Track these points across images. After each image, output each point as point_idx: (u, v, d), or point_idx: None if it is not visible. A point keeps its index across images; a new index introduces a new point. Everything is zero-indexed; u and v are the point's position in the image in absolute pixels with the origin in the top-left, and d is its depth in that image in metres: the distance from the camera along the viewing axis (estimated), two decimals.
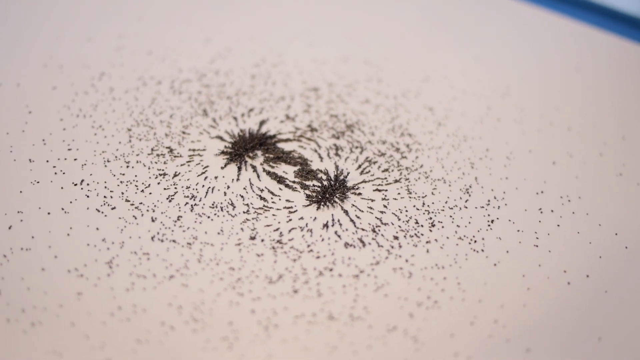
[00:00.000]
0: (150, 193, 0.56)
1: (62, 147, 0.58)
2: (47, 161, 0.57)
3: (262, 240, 0.53)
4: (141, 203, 0.55)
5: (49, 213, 0.54)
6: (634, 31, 0.76)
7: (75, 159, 0.57)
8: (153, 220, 0.54)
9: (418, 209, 0.57)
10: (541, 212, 0.58)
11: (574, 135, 0.65)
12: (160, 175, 0.57)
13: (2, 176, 0.56)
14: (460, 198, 0.58)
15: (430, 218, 0.56)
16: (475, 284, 0.52)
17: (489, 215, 0.57)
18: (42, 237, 0.52)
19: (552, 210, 0.58)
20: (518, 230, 0.56)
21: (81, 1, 0.73)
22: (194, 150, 0.59)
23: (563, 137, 0.65)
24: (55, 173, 0.56)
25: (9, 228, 0.52)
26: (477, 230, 0.56)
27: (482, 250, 0.54)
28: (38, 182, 0.55)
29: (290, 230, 0.54)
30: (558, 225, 0.57)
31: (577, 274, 0.53)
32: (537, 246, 0.55)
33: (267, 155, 0.59)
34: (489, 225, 0.56)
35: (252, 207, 0.55)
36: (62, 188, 0.55)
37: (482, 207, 0.57)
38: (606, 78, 0.71)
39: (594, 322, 0.51)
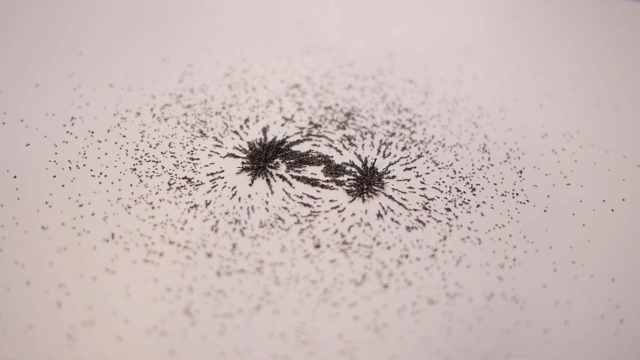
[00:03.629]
0: (191, 229, 0.51)
1: (71, 205, 0.52)
2: (63, 224, 0.51)
3: (328, 246, 0.51)
4: (188, 241, 0.51)
5: (94, 278, 0.48)
6: None
7: (92, 214, 0.52)
8: (209, 256, 0.50)
9: (452, 177, 0.57)
10: (555, 153, 0.60)
11: (543, 76, 0.68)
12: (191, 208, 0.53)
13: (22, 252, 0.49)
14: (482, 157, 0.59)
15: (468, 183, 0.57)
16: (538, 233, 0.53)
17: (514, 167, 0.58)
18: (100, 304, 0.47)
19: (563, 149, 0.60)
20: (546, 175, 0.58)
21: (10, 47, 0.65)
22: (212, 174, 0.55)
23: (535, 81, 0.67)
24: (79, 234, 0.50)
25: (59, 306, 0.47)
26: (513, 183, 0.57)
27: (528, 201, 0.56)
28: (65, 249, 0.50)
29: (349, 229, 0.52)
30: (575, 161, 0.59)
31: (615, 200, 0.56)
32: (569, 184, 0.57)
33: (287, 161, 0.57)
34: (520, 176, 0.58)
35: (301, 216, 0.53)
36: (94, 248, 0.50)
37: (505, 161, 0.59)
38: (543, 18, 0.75)
39: None
